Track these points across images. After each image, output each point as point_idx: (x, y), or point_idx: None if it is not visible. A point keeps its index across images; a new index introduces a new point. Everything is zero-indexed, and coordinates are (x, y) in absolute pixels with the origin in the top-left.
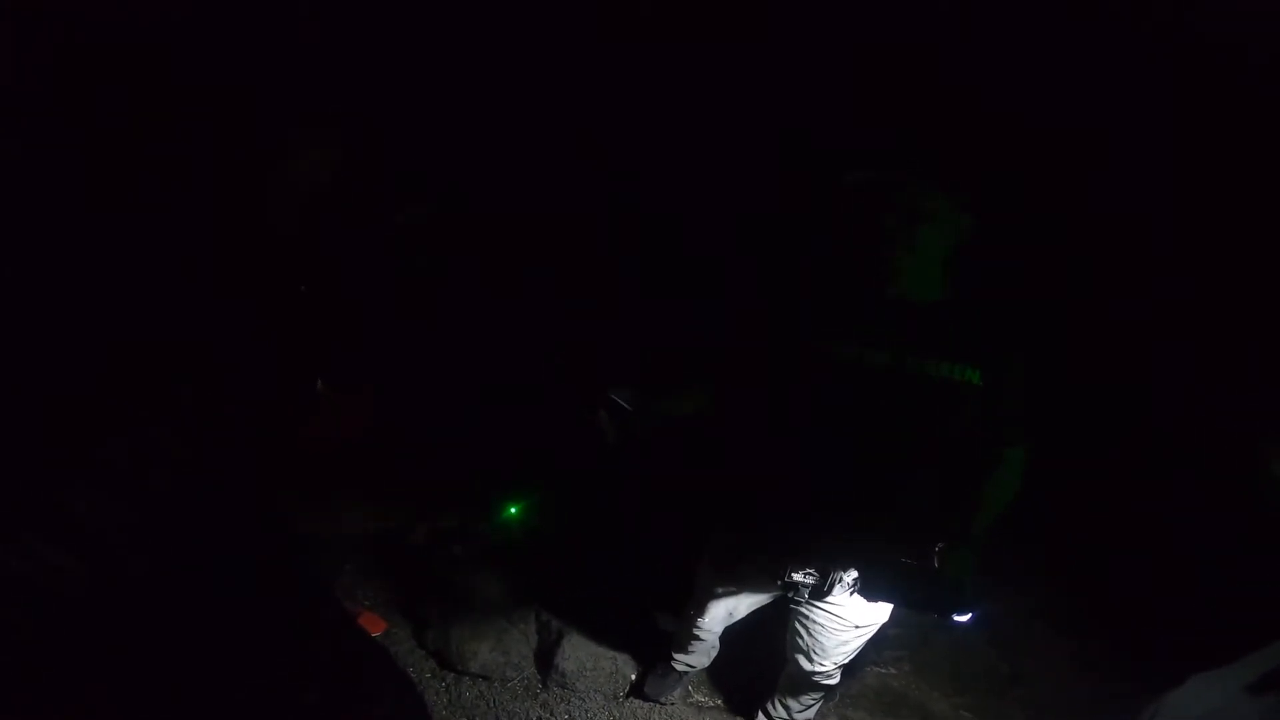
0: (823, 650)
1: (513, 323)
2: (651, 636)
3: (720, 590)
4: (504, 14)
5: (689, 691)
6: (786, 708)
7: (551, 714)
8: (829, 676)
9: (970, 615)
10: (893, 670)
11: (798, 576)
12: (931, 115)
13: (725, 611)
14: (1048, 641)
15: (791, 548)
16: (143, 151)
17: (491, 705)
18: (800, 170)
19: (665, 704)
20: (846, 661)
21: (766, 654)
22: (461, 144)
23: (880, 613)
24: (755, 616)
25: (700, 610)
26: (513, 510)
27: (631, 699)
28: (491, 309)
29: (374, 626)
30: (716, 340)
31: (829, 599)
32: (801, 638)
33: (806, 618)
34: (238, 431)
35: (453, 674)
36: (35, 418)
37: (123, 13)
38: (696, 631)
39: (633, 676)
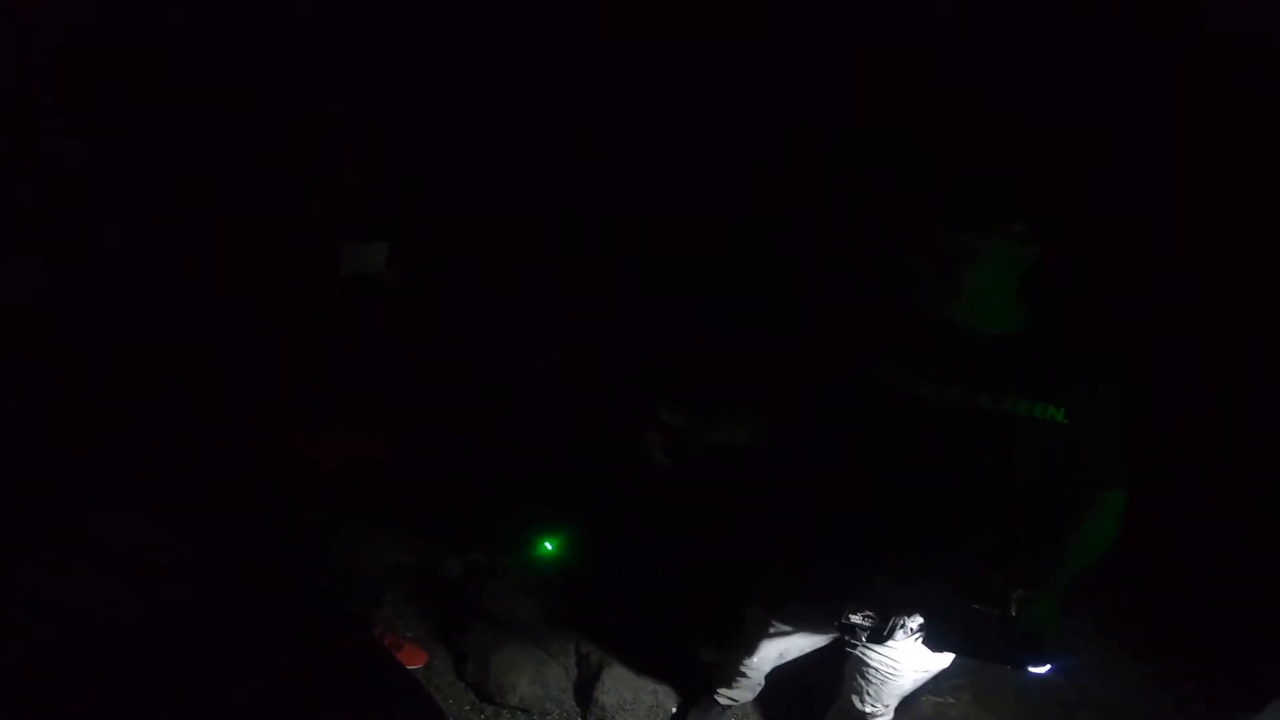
0: (877, 695)
1: (515, 326)
2: (693, 668)
3: (773, 630)
4: (504, 14)
5: None
6: None
7: None
8: (882, 715)
9: (1049, 667)
10: (951, 699)
11: (855, 619)
12: (931, 115)
13: (776, 652)
14: (1118, 663)
15: (849, 589)
16: (143, 151)
17: None
18: (800, 170)
19: None
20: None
21: (815, 686)
22: (461, 144)
23: (944, 658)
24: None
25: (750, 650)
26: (546, 546)
27: None
28: (492, 310)
29: (416, 659)
30: (765, 358)
31: (889, 644)
32: (857, 680)
33: (863, 662)
34: (238, 431)
35: (491, 707)
36: (35, 419)
37: (123, 13)
38: (744, 669)
39: (674, 710)
